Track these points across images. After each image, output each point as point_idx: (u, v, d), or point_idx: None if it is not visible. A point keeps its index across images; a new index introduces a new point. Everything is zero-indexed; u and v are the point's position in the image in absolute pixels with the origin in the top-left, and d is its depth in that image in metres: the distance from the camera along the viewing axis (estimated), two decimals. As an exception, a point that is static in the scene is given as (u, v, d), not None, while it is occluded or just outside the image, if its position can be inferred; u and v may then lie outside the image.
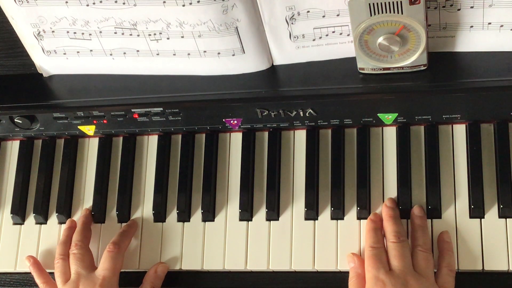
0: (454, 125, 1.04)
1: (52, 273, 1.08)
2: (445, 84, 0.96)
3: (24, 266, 1.10)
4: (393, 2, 0.88)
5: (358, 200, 1.02)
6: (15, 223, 1.14)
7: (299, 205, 1.05)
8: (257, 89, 1.02)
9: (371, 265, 0.95)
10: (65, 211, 1.12)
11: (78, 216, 1.12)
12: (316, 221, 1.04)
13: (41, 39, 1.04)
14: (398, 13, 0.89)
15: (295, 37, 0.99)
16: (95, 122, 1.08)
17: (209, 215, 1.07)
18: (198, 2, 0.93)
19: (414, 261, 0.95)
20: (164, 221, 1.09)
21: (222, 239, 1.06)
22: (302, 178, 1.05)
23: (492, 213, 0.99)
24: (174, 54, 1.03)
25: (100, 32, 1.01)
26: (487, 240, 0.98)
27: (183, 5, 0.94)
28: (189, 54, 1.02)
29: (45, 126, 1.10)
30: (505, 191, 0.98)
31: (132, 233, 1.08)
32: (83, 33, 1.02)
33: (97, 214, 1.11)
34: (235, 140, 1.10)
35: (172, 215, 1.09)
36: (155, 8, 0.96)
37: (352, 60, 0.98)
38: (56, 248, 1.08)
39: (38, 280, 1.07)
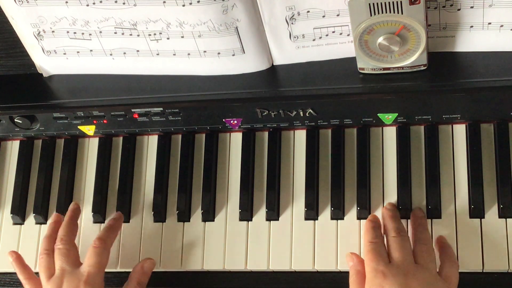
0: (454, 125, 1.04)
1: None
2: (445, 84, 0.96)
3: (24, 266, 1.10)
4: (393, 2, 0.88)
5: (358, 200, 1.02)
6: (15, 223, 1.14)
7: (299, 205, 1.05)
8: (257, 89, 1.02)
9: (370, 259, 0.94)
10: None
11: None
12: (316, 221, 1.04)
13: (41, 39, 1.04)
14: (398, 13, 0.89)
15: (295, 37, 0.99)
16: (95, 122, 1.08)
17: (209, 215, 1.07)
18: (198, 2, 0.93)
19: (415, 254, 0.94)
20: (164, 221, 1.09)
21: (222, 239, 1.06)
22: (302, 178, 1.05)
23: (492, 213, 0.99)
24: (174, 54, 1.03)
25: (100, 32, 1.01)
26: (487, 240, 0.98)
27: (183, 5, 0.94)
28: (189, 54, 1.02)
29: (45, 126, 1.10)
30: (505, 191, 0.98)
31: (118, 227, 1.07)
32: (83, 33, 1.02)
33: (97, 214, 1.11)
34: (235, 140, 1.10)
35: (172, 215, 1.09)
36: (155, 8, 0.96)
37: (352, 60, 0.98)
38: (41, 243, 1.07)
39: (21, 276, 1.05)
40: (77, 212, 1.09)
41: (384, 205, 1.02)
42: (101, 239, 1.03)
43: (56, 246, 1.04)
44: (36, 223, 1.13)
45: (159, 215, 1.08)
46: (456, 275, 0.94)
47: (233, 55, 1.01)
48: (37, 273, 1.05)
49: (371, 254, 0.94)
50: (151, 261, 1.04)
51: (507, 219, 0.98)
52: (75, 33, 1.02)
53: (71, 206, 1.09)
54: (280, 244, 1.04)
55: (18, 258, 1.07)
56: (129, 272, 1.07)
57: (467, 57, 0.98)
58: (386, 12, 0.89)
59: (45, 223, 1.13)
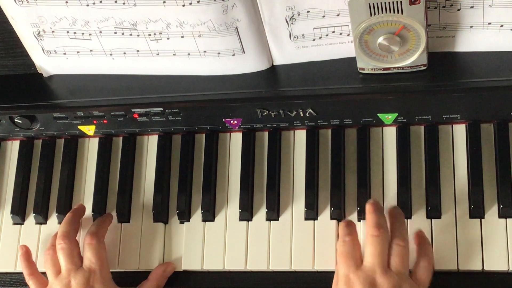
0: (454, 125, 1.04)
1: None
2: (445, 84, 0.96)
3: (24, 266, 1.10)
4: (393, 2, 0.88)
5: (358, 200, 1.02)
6: (15, 223, 1.14)
7: (299, 205, 1.05)
8: (257, 89, 1.02)
9: (341, 262, 0.93)
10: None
11: (78, 216, 1.12)
12: (316, 221, 1.04)
13: (41, 39, 1.04)
14: (398, 13, 0.89)
15: (295, 37, 0.99)
16: (95, 122, 1.08)
17: (209, 215, 1.07)
18: (198, 2, 0.93)
19: (389, 256, 0.93)
20: (164, 221, 1.09)
21: (222, 239, 1.06)
22: (302, 178, 1.05)
23: (492, 213, 0.99)
24: (174, 54, 1.03)
25: (100, 32, 1.01)
26: (487, 240, 0.98)
27: (183, 5, 0.94)
28: (189, 54, 1.02)
29: (45, 126, 1.10)
30: (505, 191, 0.98)
31: (108, 222, 1.07)
32: (83, 33, 1.02)
33: (97, 214, 1.11)
34: (235, 140, 1.10)
35: (172, 215, 1.09)
36: (155, 8, 0.96)
37: (352, 60, 0.98)
38: (50, 240, 1.07)
39: (25, 271, 1.05)
40: (80, 211, 1.09)
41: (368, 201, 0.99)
42: (92, 233, 1.03)
43: (57, 244, 1.03)
44: (36, 223, 1.13)
45: (159, 215, 1.08)
46: (429, 276, 0.94)
47: (233, 55, 1.01)
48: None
49: (342, 257, 0.93)
50: (173, 266, 1.05)
51: (507, 219, 0.98)
52: (75, 33, 1.02)
53: (75, 206, 1.10)
54: (280, 244, 1.03)
55: (26, 253, 1.07)
56: (129, 272, 1.07)
57: (467, 57, 0.98)
58: (386, 12, 0.89)
59: (45, 223, 1.13)
